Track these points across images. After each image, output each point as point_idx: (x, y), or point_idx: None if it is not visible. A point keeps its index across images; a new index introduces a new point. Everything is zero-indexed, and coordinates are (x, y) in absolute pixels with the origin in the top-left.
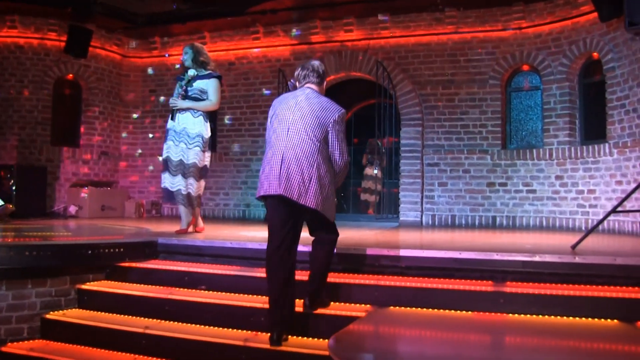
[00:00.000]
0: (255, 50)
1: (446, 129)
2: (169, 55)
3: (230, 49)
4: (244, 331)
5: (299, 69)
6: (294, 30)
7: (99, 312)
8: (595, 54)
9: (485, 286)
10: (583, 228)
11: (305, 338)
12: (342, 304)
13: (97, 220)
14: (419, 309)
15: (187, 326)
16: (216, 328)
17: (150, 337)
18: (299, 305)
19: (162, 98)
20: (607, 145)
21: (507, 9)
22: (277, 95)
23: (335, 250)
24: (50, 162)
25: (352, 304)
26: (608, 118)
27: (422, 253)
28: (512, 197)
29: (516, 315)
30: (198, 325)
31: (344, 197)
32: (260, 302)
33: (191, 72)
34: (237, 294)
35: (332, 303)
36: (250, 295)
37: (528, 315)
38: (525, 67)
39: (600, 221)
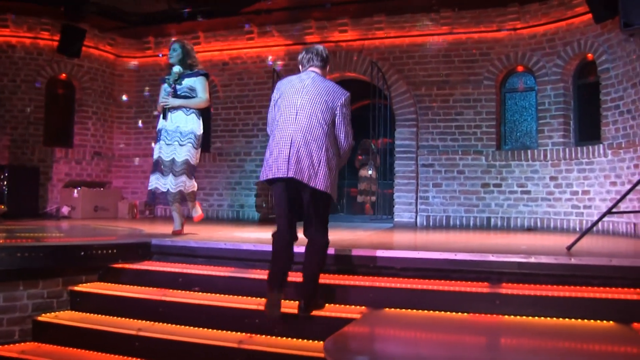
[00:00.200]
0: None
1: (441, 130)
2: (162, 55)
3: (224, 49)
4: (239, 333)
5: (303, 52)
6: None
7: (92, 314)
8: (589, 55)
9: (481, 287)
10: (577, 229)
11: (300, 340)
12: (337, 305)
13: (90, 221)
14: (415, 310)
15: (181, 328)
16: (210, 330)
17: (144, 339)
18: (293, 307)
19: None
20: (601, 146)
21: (501, 10)
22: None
23: (328, 252)
24: (43, 162)
25: (348, 306)
26: (602, 119)
27: (418, 254)
28: (507, 198)
29: (512, 316)
30: (192, 327)
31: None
32: (254, 303)
33: (176, 69)
34: (231, 296)
35: (327, 305)
36: (245, 297)
37: (524, 317)
38: (520, 68)
39: (596, 222)
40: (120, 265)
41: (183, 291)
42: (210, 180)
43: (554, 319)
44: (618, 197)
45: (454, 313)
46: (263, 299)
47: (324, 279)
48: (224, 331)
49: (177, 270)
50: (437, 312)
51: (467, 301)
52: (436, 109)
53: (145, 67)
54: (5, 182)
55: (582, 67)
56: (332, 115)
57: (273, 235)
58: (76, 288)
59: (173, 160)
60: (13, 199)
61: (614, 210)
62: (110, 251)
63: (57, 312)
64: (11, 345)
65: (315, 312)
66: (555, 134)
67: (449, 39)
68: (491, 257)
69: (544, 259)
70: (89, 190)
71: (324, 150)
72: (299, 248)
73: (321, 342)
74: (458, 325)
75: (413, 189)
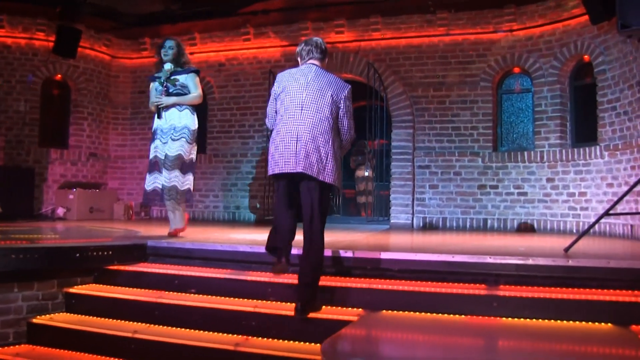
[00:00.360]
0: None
1: (437, 131)
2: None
3: (220, 50)
4: (235, 335)
5: (302, 44)
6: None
7: (87, 316)
8: (586, 56)
9: (479, 290)
10: (574, 230)
11: (297, 342)
12: (334, 307)
13: (86, 223)
14: (412, 312)
15: (177, 330)
16: (206, 332)
17: (139, 342)
18: (290, 309)
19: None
20: (598, 147)
21: (498, 11)
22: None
23: (325, 253)
24: (38, 163)
25: (345, 308)
26: (599, 120)
27: (415, 256)
28: (503, 199)
29: (509, 318)
30: (188, 330)
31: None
32: (251, 305)
33: (168, 66)
34: (227, 298)
35: (324, 307)
36: (241, 299)
37: (521, 319)
38: (517, 70)
39: (593, 224)
40: (115, 267)
41: (179, 293)
42: (206, 182)
43: (552, 321)
44: (615, 198)
45: (451, 315)
46: (260, 300)
47: (321, 280)
48: (221, 333)
49: (173, 272)
50: (434, 314)
51: (464, 303)
52: (432, 110)
53: (141, 68)
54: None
55: (578, 68)
56: (336, 108)
57: (274, 223)
58: (71, 290)
59: (166, 155)
60: (8, 200)
61: (611, 211)
62: (105, 253)
63: (52, 314)
64: (5, 347)
65: (312, 315)
66: (552, 135)
67: (446, 40)
68: (489, 259)
69: (541, 261)
70: (84, 191)
71: (330, 143)
72: (296, 251)
73: (318, 344)
74: (455, 328)
75: (409, 190)
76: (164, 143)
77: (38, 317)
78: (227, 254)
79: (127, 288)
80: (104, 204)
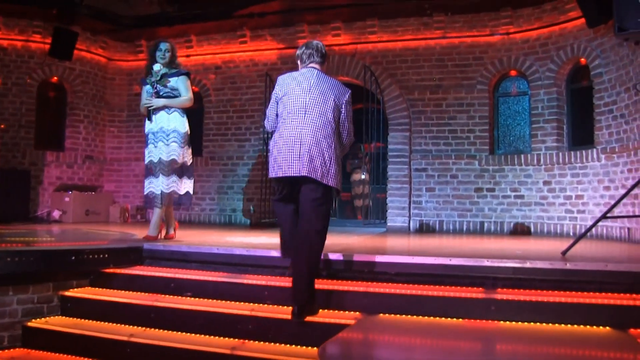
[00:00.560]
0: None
1: (434, 134)
2: None
3: (217, 53)
4: (231, 339)
5: (303, 47)
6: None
7: (83, 320)
8: (582, 59)
9: (476, 293)
10: (571, 234)
11: (294, 346)
12: (331, 311)
13: (81, 225)
14: (409, 316)
15: (173, 334)
16: (202, 336)
17: (135, 345)
18: (287, 312)
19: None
20: (594, 150)
21: (495, 15)
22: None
23: (322, 256)
24: (34, 165)
25: (342, 311)
26: (596, 123)
27: (412, 259)
28: (500, 202)
29: (507, 322)
30: (184, 333)
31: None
32: (247, 309)
33: (157, 68)
34: (223, 301)
35: (321, 310)
36: (238, 302)
37: (519, 322)
38: (513, 73)
39: (590, 227)
40: (111, 270)
41: (175, 296)
42: (202, 184)
43: (550, 324)
44: (612, 201)
45: (448, 319)
46: (256, 304)
47: (318, 284)
48: (217, 337)
49: (169, 275)
50: (431, 317)
51: (462, 307)
52: (429, 113)
53: (138, 71)
54: None
55: (575, 71)
56: (338, 112)
57: (278, 218)
58: (67, 293)
59: (160, 160)
60: (4, 203)
61: (608, 214)
62: (101, 256)
63: (47, 318)
64: (0, 351)
65: (309, 318)
66: (549, 138)
67: (442, 43)
68: (486, 262)
69: (539, 264)
70: (80, 194)
71: (333, 147)
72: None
73: (315, 348)
74: (453, 331)
75: (406, 193)
76: (156, 146)
77: (33, 320)
78: (223, 257)
79: (123, 291)
80: (100, 206)
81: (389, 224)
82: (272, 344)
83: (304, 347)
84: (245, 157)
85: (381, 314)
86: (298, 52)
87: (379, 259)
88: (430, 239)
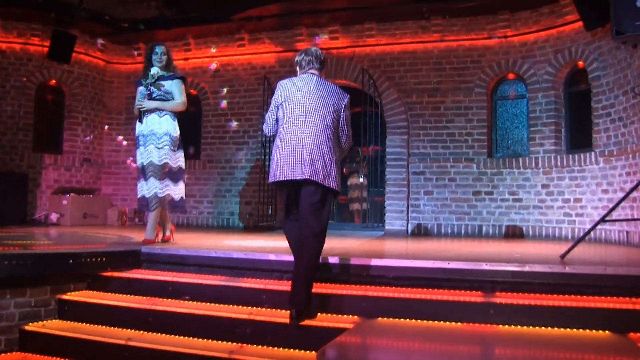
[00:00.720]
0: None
1: (432, 137)
2: None
3: (215, 56)
4: (229, 343)
5: (302, 54)
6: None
7: (80, 323)
8: (580, 62)
9: (475, 297)
10: (569, 237)
11: (292, 350)
12: (330, 315)
13: (79, 228)
14: (408, 320)
15: (171, 338)
16: (200, 340)
17: (133, 349)
18: (285, 316)
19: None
20: (593, 153)
21: (492, 18)
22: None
23: (321, 260)
24: (32, 168)
25: (340, 315)
26: (594, 127)
27: (410, 263)
28: (498, 205)
29: (506, 326)
30: (182, 337)
31: None
32: (245, 312)
33: (154, 71)
34: (221, 305)
35: (319, 314)
36: (236, 306)
37: (518, 326)
38: (511, 76)
39: (589, 230)
40: (109, 274)
41: (173, 300)
42: (200, 188)
43: (549, 328)
44: (610, 204)
45: (447, 323)
46: (254, 308)
47: (316, 287)
48: (215, 341)
49: (166, 278)
50: (430, 321)
51: (460, 310)
52: (427, 116)
53: (136, 73)
54: None
55: (573, 74)
56: (337, 117)
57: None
58: (64, 296)
59: (152, 163)
60: (1, 206)
61: (607, 218)
62: (99, 259)
63: (44, 321)
64: None
65: (307, 322)
66: (547, 141)
67: (440, 47)
68: (485, 266)
69: (538, 268)
70: (78, 197)
71: (333, 150)
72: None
73: (314, 352)
74: (452, 335)
75: (404, 196)
76: (145, 148)
77: (30, 324)
78: (221, 261)
79: (120, 295)
80: (98, 209)
81: (387, 228)
82: (270, 347)
83: (302, 351)
84: (244, 161)
85: (379, 318)
86: (297, 58)
87: (377, 262)
88: (429, 243)
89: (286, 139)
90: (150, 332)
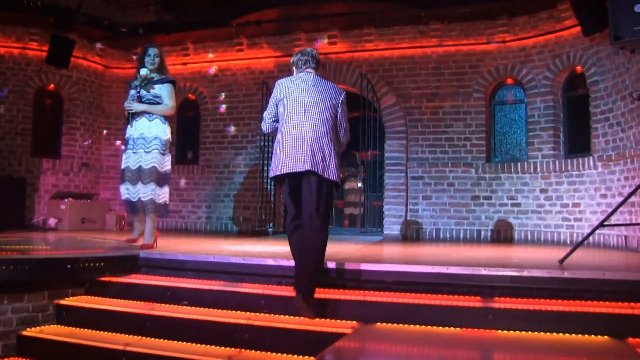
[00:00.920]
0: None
1: (430, 142)
2: None
3: (213, 61)
4: (228, 348)
5: (299, 54)
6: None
7: (78, 328)
8: (578, 67)
9: (474, 302)
10: (568, 242)
11: (291, 355)
12: (328, 320)
13: (77, 233)
14: (406, 325)
15: (169, 343)
16: (199, 345)
17: (131, 355)
18: (284, 321)
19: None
20: (591, 158)
21: (491, 23)
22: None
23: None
24: (30, 173)
25: (338, 320)
26: (592, 131)
27: (409, 268)
28: (497, 210)
29: (505, 331)
30: (180, 342)
31: None
32: (244, 318)
33: (144, 72)
34: (220, 310)
35: (318, 319)
36: (234, 311)
37: (517, 331)
38: (509, 81)
39: (588, 235)
40: (107, 279)
41: (171, 305)
42: (198, 192)
43: (548, 333)
44: (608, 209)
45: (446, 328)
46: (253, 313)
47: (315, 292)
48: (213, 346)
49: (165, 283)
50: (429, 326)
51: (459, 315)
52: (426, 121)
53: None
54: None
55: (571, 79)
56: (334, 112)
57: (288, 230)
58: (62, 302)
59: (140, 167)
60: None
61: (605, 223)
62: (97, 264)
63: (42, 327)
64: None
65: (305, 327)
66: (545, 146)
67: (439, 51)
68: (483, 271)
69: (536, 273)
70: (76, 201)
71: (332, 144)
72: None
73: (312, 357)
74: (450, 340)
75: (403, 201)
76: (135, 153)
77: (28, 329)
78: (219, 266)
79: (118, 300)
80: (96, 214)
81: (385, 232)
82: (269, 353)
83: (301, 356)
84: (242, 165)
85: (378, 323)
86: (293, 59)
87: (376, 267)
88: (427, 247)
89: (287, 133)
90: (149, 338)
